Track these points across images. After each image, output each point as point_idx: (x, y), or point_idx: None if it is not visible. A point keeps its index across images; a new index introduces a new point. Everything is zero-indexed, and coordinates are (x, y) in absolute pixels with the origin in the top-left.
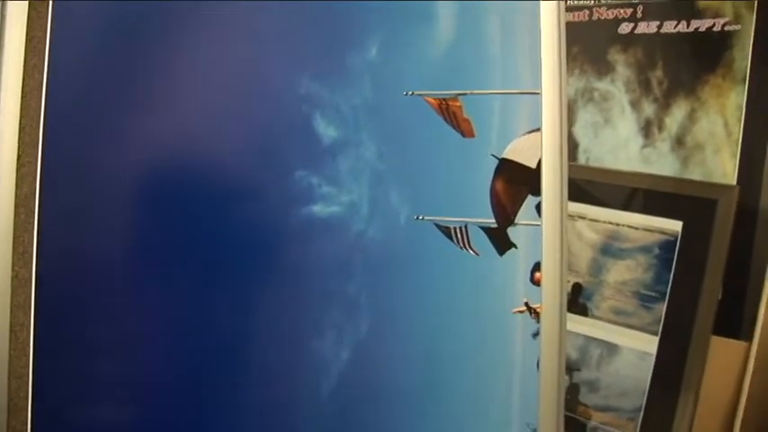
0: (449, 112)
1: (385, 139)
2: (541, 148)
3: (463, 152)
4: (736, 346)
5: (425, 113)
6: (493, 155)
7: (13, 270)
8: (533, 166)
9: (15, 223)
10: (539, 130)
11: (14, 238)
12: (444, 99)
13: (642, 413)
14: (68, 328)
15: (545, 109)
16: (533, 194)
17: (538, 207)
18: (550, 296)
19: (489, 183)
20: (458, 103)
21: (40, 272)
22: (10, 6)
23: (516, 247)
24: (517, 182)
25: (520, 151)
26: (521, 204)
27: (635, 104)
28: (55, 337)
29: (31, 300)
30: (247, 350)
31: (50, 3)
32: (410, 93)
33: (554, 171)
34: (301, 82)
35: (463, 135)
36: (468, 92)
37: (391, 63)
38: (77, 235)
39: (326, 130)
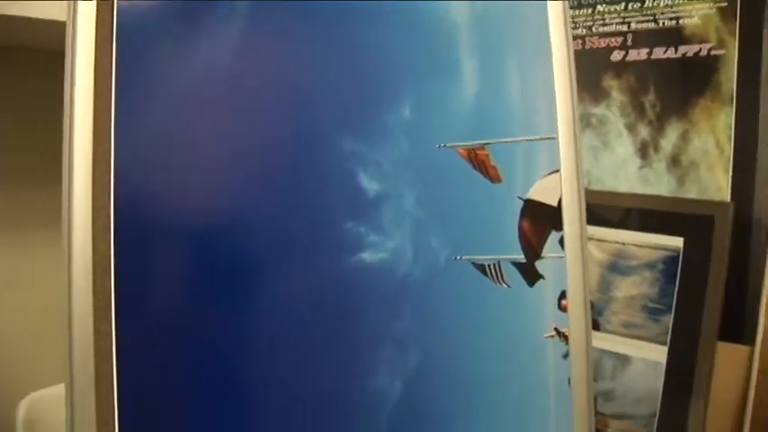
0: (478, 161)
1: (422, 189)
2: (560, 188)
3: (492, 196)
4: (741, 350)
5: (457, 163)
6: (519, 197)
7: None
8: (555, 204)
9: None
10: (557, 171)
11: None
12: (473, 149)
13: (657, 419)
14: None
15: (562, 152)
16: (556, 230)
17: (561, 241)
18: (577, 320)
19: (517, 222)
20: (485, 152)
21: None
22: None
23: (544, 278)
24: (541, 219)
25: (542, 192)
26: (545, 239)
27: (631, 128)
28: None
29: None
30: (305, 388)
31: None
32: (442, 145)
33: (573, 207)
34: (345, 142)
35: (492, 181)
36: (494, 141)
37: (423, 119)
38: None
39: (370, 184)
